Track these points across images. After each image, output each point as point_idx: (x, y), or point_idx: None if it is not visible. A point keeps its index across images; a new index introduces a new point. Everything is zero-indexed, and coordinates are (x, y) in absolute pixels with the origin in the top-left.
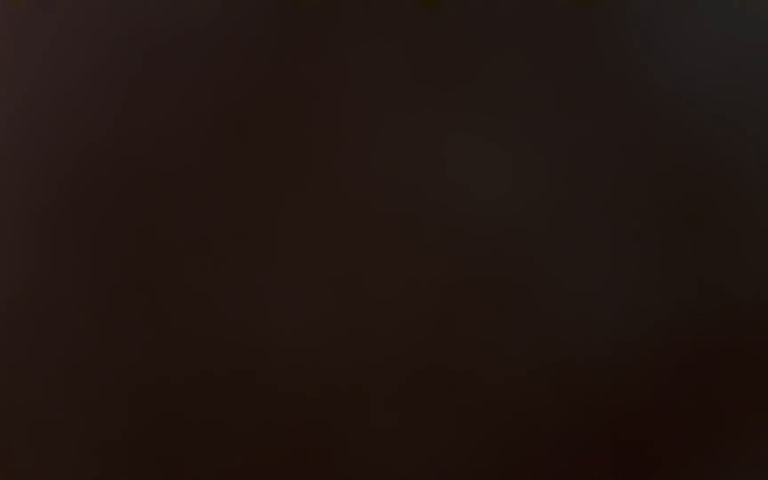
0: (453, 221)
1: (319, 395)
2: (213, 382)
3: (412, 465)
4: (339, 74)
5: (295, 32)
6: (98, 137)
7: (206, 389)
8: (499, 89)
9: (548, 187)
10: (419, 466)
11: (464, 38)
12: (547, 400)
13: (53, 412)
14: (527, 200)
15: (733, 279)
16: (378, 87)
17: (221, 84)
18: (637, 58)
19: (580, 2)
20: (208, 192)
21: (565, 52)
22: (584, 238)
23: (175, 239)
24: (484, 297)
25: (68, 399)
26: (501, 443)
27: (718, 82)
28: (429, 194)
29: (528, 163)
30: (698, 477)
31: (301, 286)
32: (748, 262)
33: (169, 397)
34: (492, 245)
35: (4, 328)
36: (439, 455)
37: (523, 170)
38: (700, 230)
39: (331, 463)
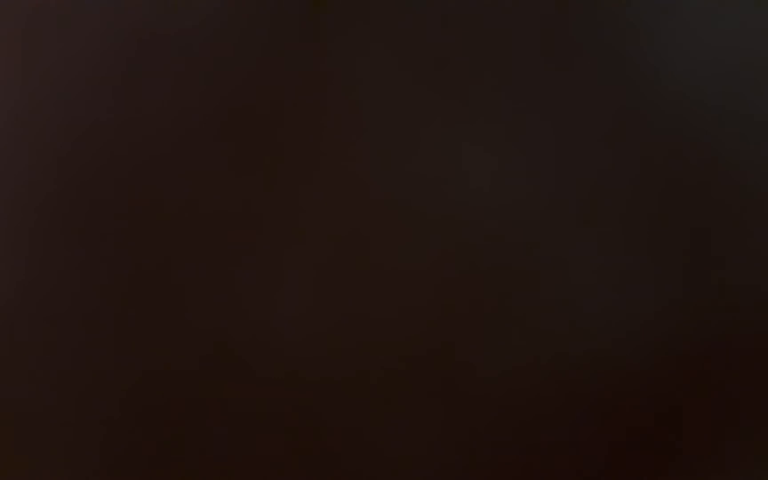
0: (452, 213)
1: (319, 384)
2: (213, 372)
3: (410, 453)
4: (343, 72)
5: (302, 31)
6: (105, 136)
7: (206, 380)
8: (500, 86)
9: (547, 181)
10: (418, 454)
11: (465, 36)
12: (545, 391)
13: (52, 410)
14: (528, 193)
15: (731, 273)
16: (383, 84)
17: (228, 83)
18: (633, 53)
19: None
20: (213, 190)
21: (564, 49)
22: (583, 231)
23: (176, 233)
24: (483, 288)
25: (68, 396)
26: (498, 433)
27: (713, 77)
28: (430, 186)
29: (527, 158)
30: (697, 472)
31: (301, 276)
32: (746, 258)
33: (169, 390)
34: (491, 237)
35: (2, 326)
36: (438, 444)
37: (523, 163)
38: (698, 225)
39: (330, 451)
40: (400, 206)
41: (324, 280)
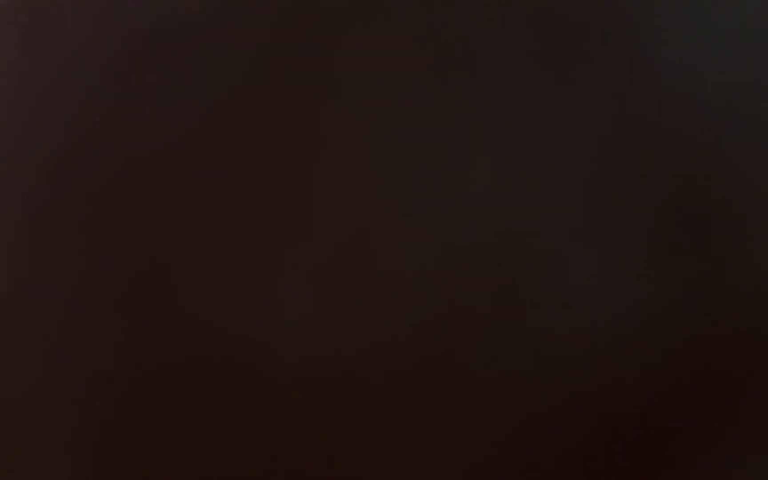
0: (453, 214)
1: (319, 387)
2: (213, 375)
3: (410, 457)
4: (345, 72)
5: (303, 30)
6: (106, 134)
7: (207, 381)
8: (500, 88)
9: (547, 183)
10: (417, 458)
11: (466, 37)
12: (544, 392)
13: (51, 409)
14: (528, 194)
15: (729, 275)
16: (384, 84)
17: (229, 82)
18: (634, 54)
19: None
20: (214, 189)
21: (564, 51)
22: (583, 234)
23: (176, 232)
24: (483, 292)
25: (67, 396)
26: (498, 436)
27: (714, 77)
28: (431, 191)
29: (528, 160)
30: (696, 472)
31: (302, 279)
32: (747, 259)
33: (169, 389)
34: (490, 241)
35: (9, 327)
36: (438, 447)
37: (523, 167)
38: (699, 227)
39: (330, 453)
40: (401, 207)
41: (324, 280)
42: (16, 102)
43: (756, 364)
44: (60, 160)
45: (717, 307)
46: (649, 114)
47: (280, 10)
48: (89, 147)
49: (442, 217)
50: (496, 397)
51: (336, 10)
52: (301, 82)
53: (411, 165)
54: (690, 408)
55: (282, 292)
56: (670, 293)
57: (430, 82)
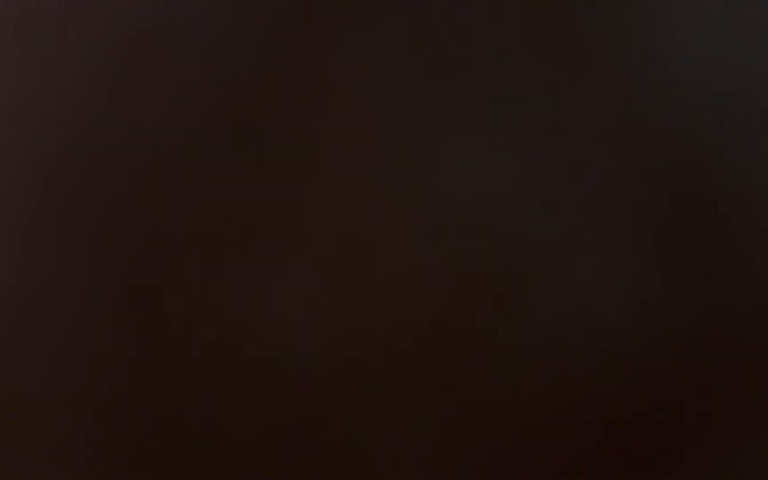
0: (454, 217)
1: (320, 390)
2: (214, 379)
3: (412, 459)
4: (342, 72)
5: (300, 28)
6: (100, 135)
7: (208, 386)
8: (500, 85)
9: (548, 181)
10: (420, 459)
11: (465, 35)
12: (547, 395)
13: (52, 411)
14: (527, 195)
15: (732, 274)
16: (381, 83)
17: (225, 81)
18: (635, 53)
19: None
20: (209, 190)
21: (565, 49)
22: (584, 233)
23: (177, 236)
24: (485, 292)
25: (68, 397)
26: (500, 437)
27: (715, 75)
28: (430, 190)
29: (528, 159)
30: (698, 472)
31: (303, 282)
32: (746, 258)
33: (169, 395)
34: (492, 241)
35: (3, 328)
36: (440, 449)
37: (523, 165)
38: (699, 225)
39: (332, 457)
40: (401, 206)
41: (324, 282)
42: (11, 102)
43: (758, 365)
44: (56, 161)
45: (719, 305)
46: (651, 113)
47: (278, 10)
48: (87, 147)
49: (443, 216)
50: (499, 397)
51: (334, 9)
52: (298, 82)
53: (410, 165)
54: (692, 408)
55: (282, 294)
56: (672, 292)
57: (429, 82)
